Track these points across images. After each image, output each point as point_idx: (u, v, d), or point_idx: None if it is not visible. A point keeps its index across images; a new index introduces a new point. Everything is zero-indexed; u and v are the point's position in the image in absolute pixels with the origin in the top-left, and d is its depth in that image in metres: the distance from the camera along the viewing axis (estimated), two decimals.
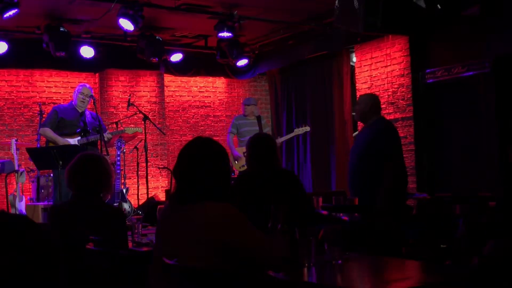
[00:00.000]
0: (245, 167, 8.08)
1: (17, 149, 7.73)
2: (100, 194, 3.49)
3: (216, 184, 2.61)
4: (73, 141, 6.64)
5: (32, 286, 1.33)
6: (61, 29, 7.59)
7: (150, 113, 9.34)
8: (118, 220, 3.41)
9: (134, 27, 7.12)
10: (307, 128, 8.50)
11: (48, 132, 6.69)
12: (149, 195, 8.39)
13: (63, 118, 6.75)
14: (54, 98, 9.14)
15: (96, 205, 3.43)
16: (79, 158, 3.51)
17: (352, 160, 5.31)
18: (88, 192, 3.42)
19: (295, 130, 8.57)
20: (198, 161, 2.62)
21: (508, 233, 3.72)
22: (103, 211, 3.42)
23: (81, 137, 6.67)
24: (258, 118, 8.46)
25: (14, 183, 7.74)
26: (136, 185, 8.38)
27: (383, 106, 7.48)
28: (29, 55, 8.47)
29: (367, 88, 8.42)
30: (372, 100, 5.36)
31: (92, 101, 6.84)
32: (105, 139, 6.69)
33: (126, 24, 7.13)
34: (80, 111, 6.82)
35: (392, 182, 4.94)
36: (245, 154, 4.10)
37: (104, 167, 3.50)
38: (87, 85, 7.13)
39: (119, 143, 7.62)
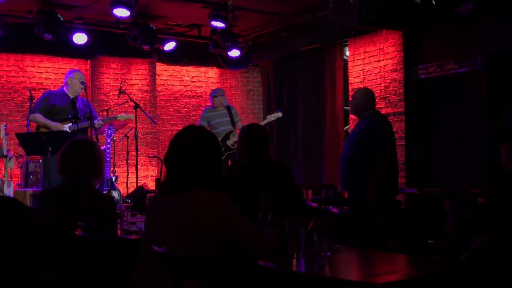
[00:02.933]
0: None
1: (6, 134, 7.67)
2: (91, 181, 3.46)
3: (207, 173, 2.60)
4: (65, 127, 6.59)
5: (21, 269, 1.32)
6: (53, 14, 7.52)
7: (141, 102, 9.30)
8: (109, 207, 3.40)
9: (130, 12, 7.06)
10: (279, 114, 8.49)
11: (39, 117, 6.61)
12: (139, 184, 8.37)
13: (55, 105, 6.67)
14: (44, 83, 9.07)
15: (87, 191, 3.41)
16: (71, 144, 3.48)
17: (345, 152, 5.32)
18: (79, 178, 3.40)
19: (267, 117, 8.57)
20: (189, 149, 2.62)
21: (495, 229, 3.74)
22: (93, 198, 3.40)
23: (72, 124, 6.61)
24: (228, 108, 8.41)
25: (3, 168, 7.70)
26: (126, 174, 8.35)
27: None
28: (20, 39, 8.39)
29: (359, 82, 8.43)
30: (368, 95, 5.37)
31: (83, 87, 6.78)
32: (96, 126, 6.63)
33: (121, 12, 7.08)
34: (71, 97, 6.75)
35: (383, 175, 4.95)
36: (236, 144, 4.10)
37: (97, 153, 3.48)
38: (80, 71, 7.07)
39: (109, 131, 7.58)
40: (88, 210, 3.28)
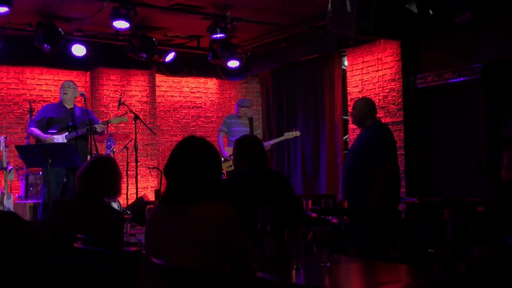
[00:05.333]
0: (233, 168, 8.06)
1: (6, 146, 7.68)
2: (105, 197, 3.54)
3: (209, 183, 2.62)
4: (61, 137, 6.58)
5: (20, 282, 1.33)
6: (53, 26, 7.56)
7: (141, 113, 9.31)
8: (118, 222, 3.47)
9: (129, 24, 7.10)
10: (297, 133, 8.47)
11: (34, 131, 6.62)
12: (138, 195, 8.36)
13: (52, 117, 6.68)
14: (44, 96, 9.09)
15: (99, 205, 3.49)
16: (95, 161, 3.60)
17: (347, 161, 5.33)
18: (96, 194, 3.46)
19: (285, 134, 8.53)
20: (192, 160, 2.63)
21: (495, 238, 3.74)
22: (105, 212, 3.49)
23: (68, 133, 6.60)
24: (250, 120, 8.44)
25: (3, 180, 7.69)
26: (126, 185, 8.35)
27: None
28: (20, 52, 8.42)
29: (358, 92, 8.45)
30: (368, 104, 5.38)
31: (83, 99, 6.79)
32: (98, 129, 6.64)
33: (120, 24, 7.12)
34: (68, 107, 6.76)
35: (384, 184, 4.95)
36: (231, 156, 4.12)
37: (118, 172, 3.59)
38: (71, 81, 7.08)
39: (109, 142, 7.59)
40: (98, 224, 3.34)
